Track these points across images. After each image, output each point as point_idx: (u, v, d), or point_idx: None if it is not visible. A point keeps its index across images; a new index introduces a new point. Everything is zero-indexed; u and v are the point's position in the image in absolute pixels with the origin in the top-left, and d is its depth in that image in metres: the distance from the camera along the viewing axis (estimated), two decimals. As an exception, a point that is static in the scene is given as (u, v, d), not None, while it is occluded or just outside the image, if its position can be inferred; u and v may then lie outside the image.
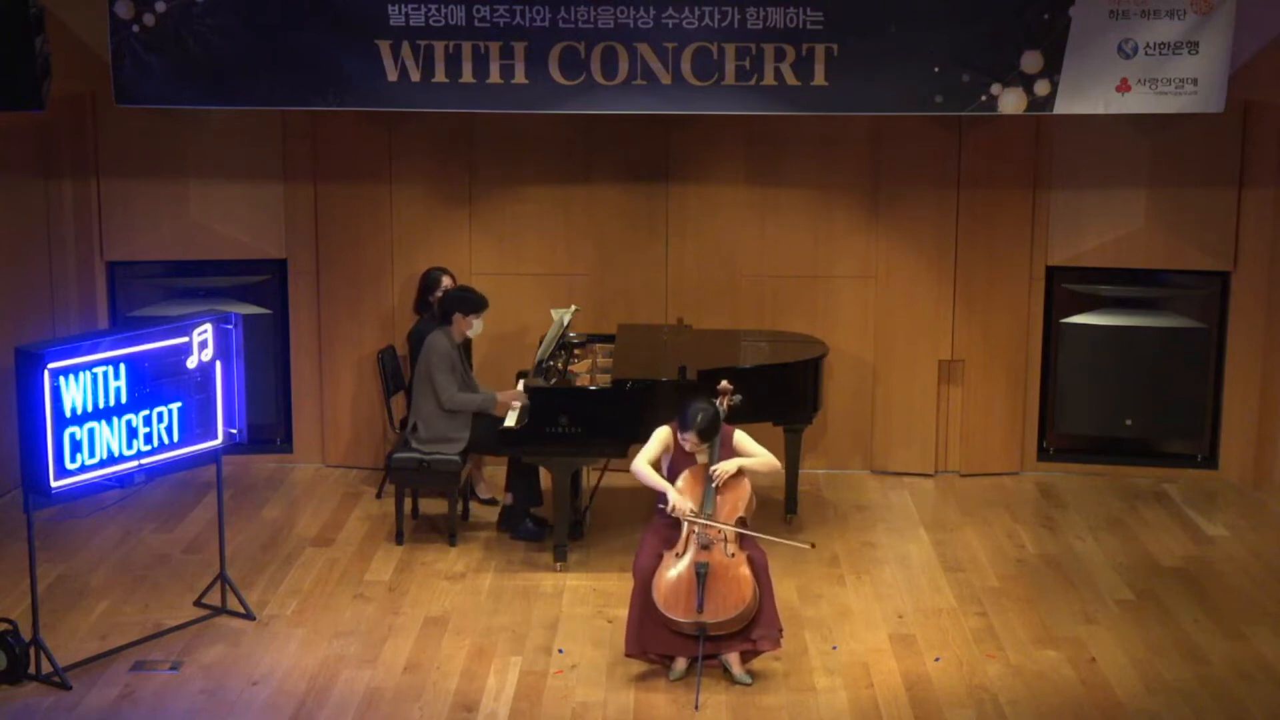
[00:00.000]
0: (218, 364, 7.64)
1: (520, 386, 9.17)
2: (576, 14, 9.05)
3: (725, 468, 7.26)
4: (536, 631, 7.81)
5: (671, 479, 7.33)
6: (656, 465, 7.39)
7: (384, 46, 9.13)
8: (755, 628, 7.17)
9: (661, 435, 7.42)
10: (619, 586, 8.13)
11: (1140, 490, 10.10)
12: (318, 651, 7.55)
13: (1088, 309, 10.28)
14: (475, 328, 9.07)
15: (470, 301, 9.04)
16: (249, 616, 7.91)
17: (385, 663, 7.44)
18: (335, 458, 10.49)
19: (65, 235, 10.02)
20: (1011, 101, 9.16)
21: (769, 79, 9.14)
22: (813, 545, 7.37)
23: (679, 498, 7.22)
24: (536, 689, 7.17)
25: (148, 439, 7.36)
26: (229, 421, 7.75)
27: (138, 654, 7.48)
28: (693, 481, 7.30)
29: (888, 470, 10.43)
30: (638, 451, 7.45)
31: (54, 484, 6.96)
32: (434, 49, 9.13)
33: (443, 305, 9.12)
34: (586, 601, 8.20)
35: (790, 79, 9.14)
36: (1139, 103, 9.14)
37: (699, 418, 7.24)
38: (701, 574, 7.07)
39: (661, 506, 7.32)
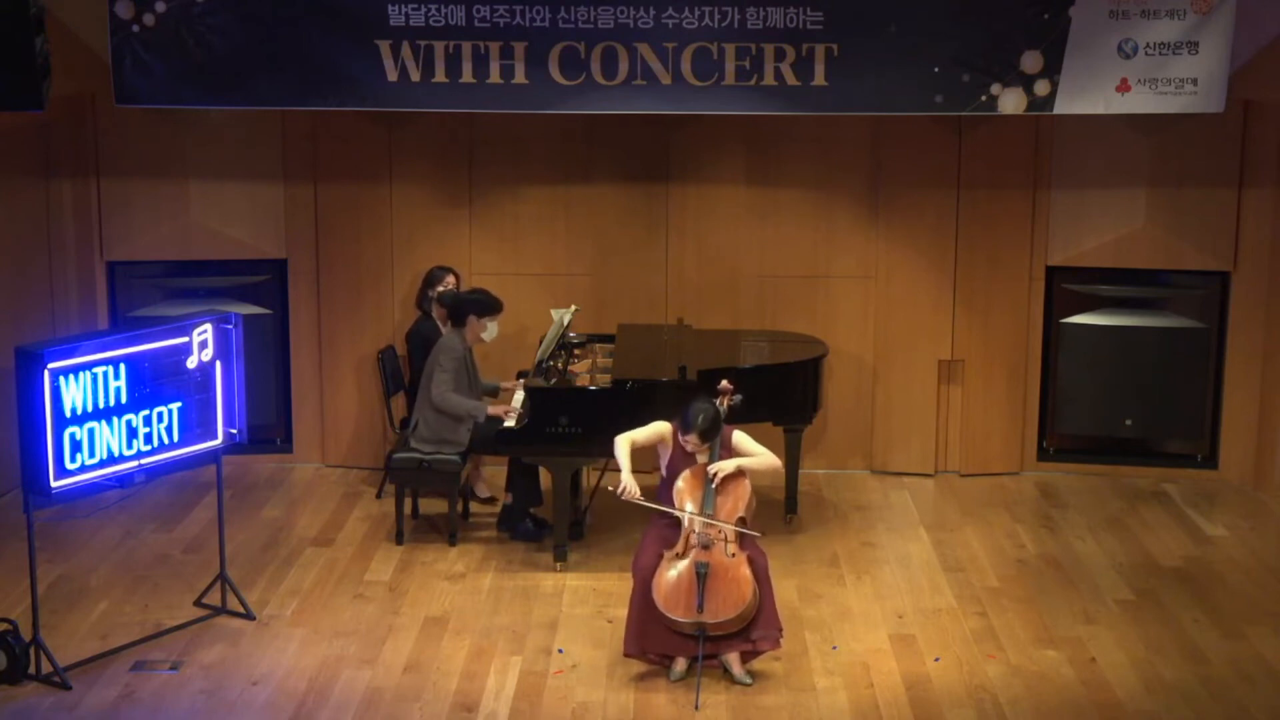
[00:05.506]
0: (218, 364, 7.64)
1: (520, 386, 9.17)
2: (576, 14, 9.06)
3: (723, 467, 7.26)
4: (536, 631, 7.81)
5: (671, 478, 7.33)
6: (645, 453, 7.40)
7: (384, 46, 9.14)
8: (755, 628, 7.17)
9: (659, 426, 7.42)
10: (619, 586, 8.13)
11: (1140, 490, 10.09)
12: (318, 651, 7.55)
13: (1088, 309, 10.28)
14: (490, 330, 9.06)
15: (484, 304, 9.03)
16: (249, 616, 7.91)
17: (385, 663, 7.44)
18: (335, 458, 10.50)
19: (65, 235, 10.02)
20: (1011, 101, 9.16)
21: (769, 79, 9.15)
22: (761, 534, 7.38)
23: (631, 481, 7.24)
24: (536, 689, 7.17)
25: (148, 439, 7.36)
26: (229, 421, 7.75)
27: (138, 654, 7.48)
28: (693, 481, 7.30)
29: (888, 470, 10.43)
30: (637, 451, 7.44)
31: (54, 484, 6.95)
32: (434, 49, 9.14)
33: (456, 307, 9.10)
34: (586, 601, 8.20)
35: (790, 79, 9.14)
36: (1139, 103, 9.15)
37: (700, 419, 7.23)
38: (702, 574, 7.07)
39: (611, 489, 7.32)
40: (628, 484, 7.26)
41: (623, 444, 7.36)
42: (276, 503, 9.81)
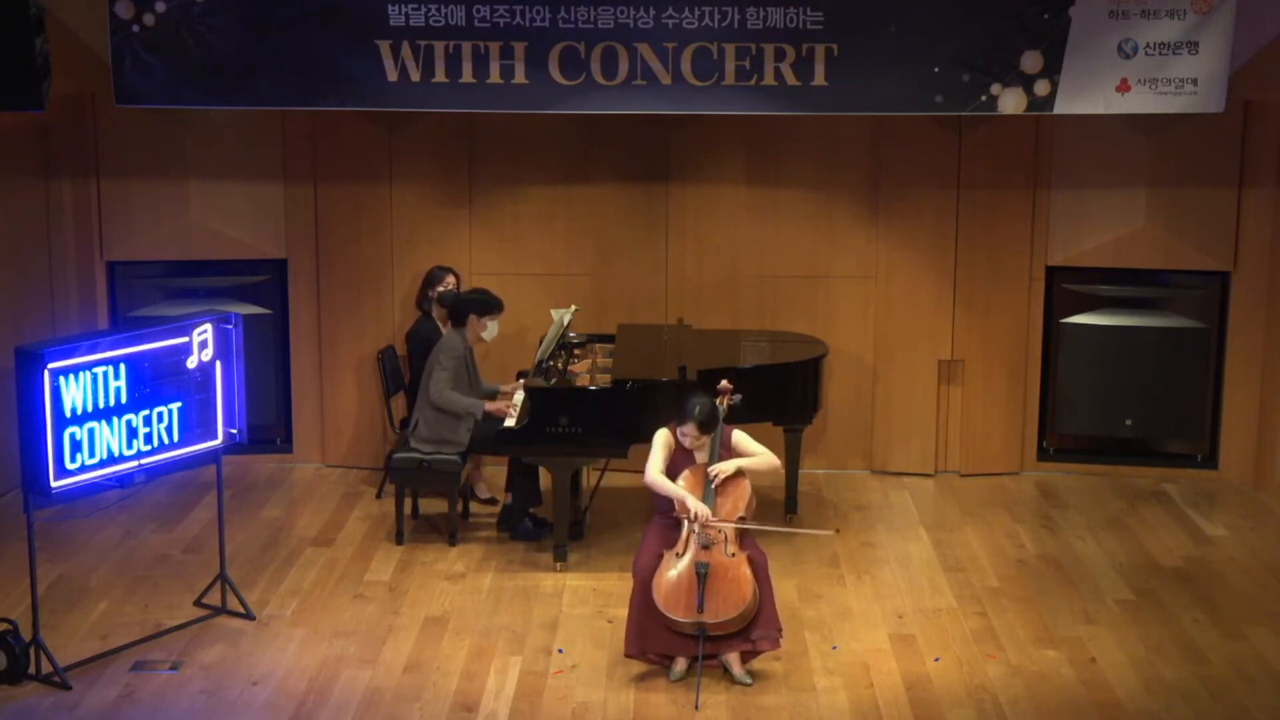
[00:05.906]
0: (218, 364, 7.64)
1: (520, 386, 9.16)
2: (576, 14, 9.06)
3: (724, 467, 7.26)
4: (536, 631, 7.81)
5: (671, 478, 7.31)
6: (641, 455, 7.38)
7: (384, 46, 9.14)
8: (755, 628, 7.16)
9: (664, 439, 7.41)
10: (619, 586, 8.13)
11: (1140, 490, 10.09)
12: (318, 651, 7.55)
13: (1088, 309, 10.28)
14: (490, 330, 9.07)
15: (485, 303, 9.04)
16: (249, 616, 7.91)
17: (385, 663, 7.44)
18: (335, 458, 10.50)
19: (65, 235, 10.02)
20: (1011, 101, 9.17)
21: (769, 79, 9.15)
22: (837, 530, 7.31)
23: (699, 505, 7.18)
24: (536, 689, 7.17)
25: (148, 439, 7.36)
26: (229, 421, 7.75)
27: (138, 654, 7.48)
28: (693, 481, 7.29)
29: (888, 470, 10.43)
30: (638, 451, 7.45)
31: (54, 484, 6.95)
32: (434, 49, 9.14)
33: (456, 307, 9.10)
34: (586, 601, 8.20)
35: (790, 79, 9.14)
36: (1139, 103, 9.15)
37: (697, 409, 7.24)
38: (702, 574, 7.07)
39: (673, 514, 7.27)
40: (696, 509, 7.18)
41: (659, 478, 7.28)
42: (276, 503, 9.81)
